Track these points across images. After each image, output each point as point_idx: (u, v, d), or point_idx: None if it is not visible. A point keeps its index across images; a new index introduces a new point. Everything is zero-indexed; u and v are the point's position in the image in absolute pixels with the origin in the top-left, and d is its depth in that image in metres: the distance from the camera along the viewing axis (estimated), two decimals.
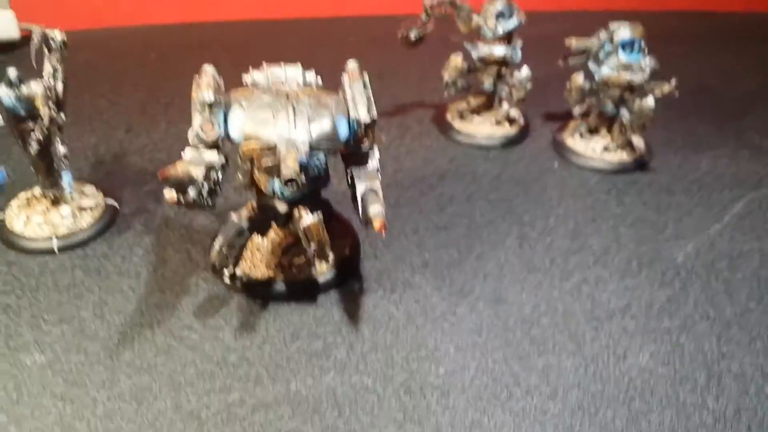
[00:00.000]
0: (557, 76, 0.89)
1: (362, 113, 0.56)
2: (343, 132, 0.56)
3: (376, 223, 0.53)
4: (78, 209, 0.71)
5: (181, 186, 0.51)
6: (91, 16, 1.22)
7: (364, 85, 0.58)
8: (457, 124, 0.92)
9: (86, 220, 0.70)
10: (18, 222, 0.69)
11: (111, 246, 0.69)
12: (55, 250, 0.67)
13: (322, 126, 0.55)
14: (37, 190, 0.71)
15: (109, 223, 0.72)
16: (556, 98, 0.94)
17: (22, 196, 0.72)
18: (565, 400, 0.55)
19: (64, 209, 0.70)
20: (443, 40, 0.88)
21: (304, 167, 0.54)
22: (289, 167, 0.51)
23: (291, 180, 0.51)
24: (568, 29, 0.97)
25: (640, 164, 0.85)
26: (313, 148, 0.55)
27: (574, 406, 0.54)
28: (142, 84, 1.03)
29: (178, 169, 0.51)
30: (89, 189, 0.74)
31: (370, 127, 0.56)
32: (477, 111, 0.93)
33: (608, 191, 0.81)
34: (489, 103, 0.92)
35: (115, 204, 0.74)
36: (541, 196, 0.80)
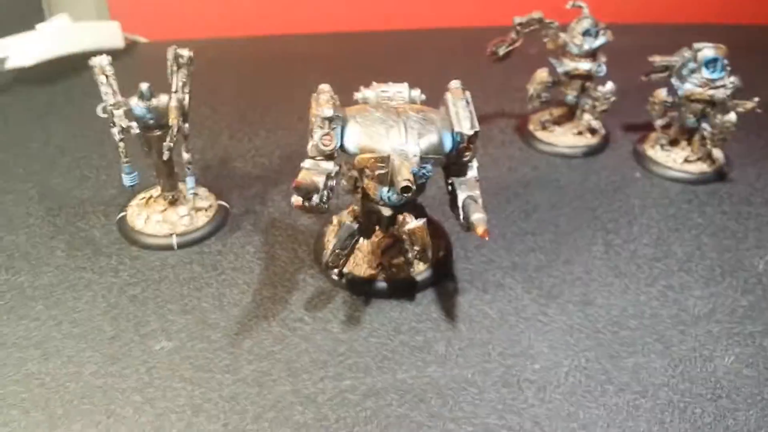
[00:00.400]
0: (636, 87, 0.92)
1: (465, 126, 0.61)
2: (448, 144, 0.61)
3: (480, 229, 0.57)
4: (194, 209, 0.77)
5: (307, 192, 0.57)
6: (189, 26, 1.29)
7: (467, 102, 0.63)
8: (540, 133, 0.96)
9: (201, 220, 0.76)
10: (139, 220, 0.76)
11: (224, 244, 0.75)
12: (175, 246, 0.74)
13: (430, 139, 0.60)
14: (155, 191, 0.78)
15: (222, 223, 0.78)
16: (635, 109, 0.97)
17: (141, 196, 0.79)
18: (655, 397, 0.58)
19: (182, 209, 0.76)
20: (522, 52, 0.92)
21: (415, 176, 0.58)
22: (406, 176, 0.56)
23: (407, 188, 0.55)
24: (647, 42, 1.00)
25: (719, 175, 0.88)
26: (422, 159, 0.60)
27: (664, 402, 0.58)
28: (240, 93, 1.09)
29: (307, 179, 0.57)
30: (202, 191, 0.80)
31: (472, 139, 0.61)
32: (559, 122, 0.97)
33: (689, 201, 0.84)
34: (571, 114, 0.96)
35: (227, 205, 0.80)
36: (624, 204, 0.83)
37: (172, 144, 0.68)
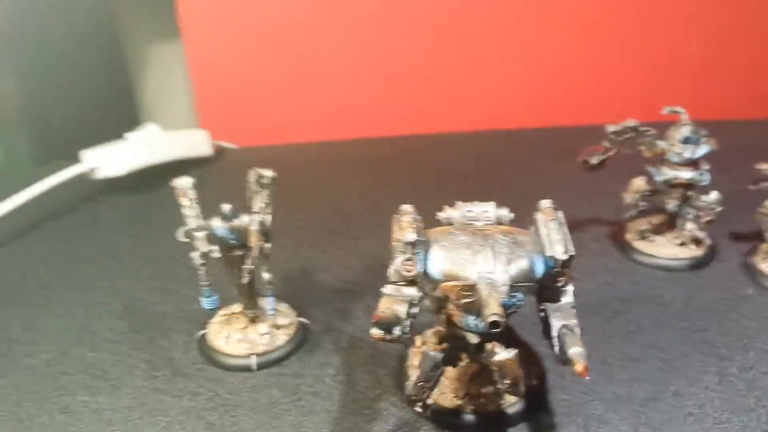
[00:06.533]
0: (742, 191, 0.85)
1: (558, 251, 0.56)
2: (540, 270, 0.57)
3: (579, 366, 0.52)
4: (274, 327, 0.74)
5: (388, 325, 0.53)
6: (275, 132, 1.31)
7: (560, 223, 0.58)
8: (638, 244, 0.90)
9: (281, 338, 0.74)
10: (219, 338, 0.74)
11: (304, 365, 0.72)
12: (254, 367, 0.71)
13: (520, 266, 0.56)
14: (236, 307, 0.76)
15: (302, 341, 0.75)
16: (742, 215, 0.90)
17: (223, 313, 0.77)
18: None
19: (262, 327, 0.73)
20: (619, 156, 0.87)
21: (505, 308, 0.54)
22: (495, 310, 0.51)
23: (496, 323, 0.51)
24: (753, 140, 0.94)
25: None
26: (512, 288, 0.55)
27: None
28: (325, 200, 1.08)
29: (387, 312, 0.53)
30: (283, 307, 0.78)
31: (566, 263, 0.56)
32: (659, 231, 0.90)
33: None
34: (671, 222, 0.90)
35: (307, 322, 0.77)
36: (737, 325, 0.76)
37: (252, 267, 0.66)
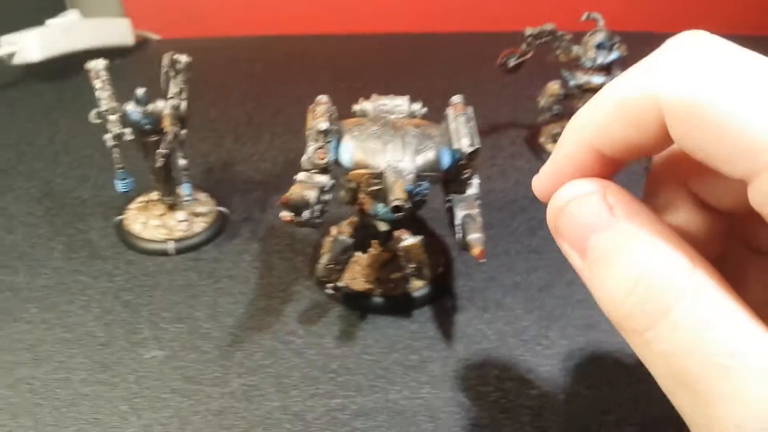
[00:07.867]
0: None
1: (465, 144, 0.58)
2: (446, 162, 0.59)
3: (476, 250, 0.55)
4: (192, 215, 0.76)
5: (296, 208, 0.55)
6: (203, 24, 1.28)
7: (468, 118, 0.61)
8: (550, 146, 0.94)
9: (199, 226, 0.75)
10: (136, 224, 0.75)
11: (221, 251, 0.74)
12: (172, 252, 0.73)
13: (427, 156, 0.59)
14: (154, 195, 0.77)
15: (220, 229, 0.77)
16: None
17: (141, 199, 0.78)
18: None
19: (180, 214, 0.75)
20: (539, 61, 0.90)
21: (409, 194, 0.57)
22: (398, 195, 0.54)
23: (398, 207, 0.54)
24: None
25: None
26: (418, 177, 0.58)
27: None
28: (249, 94, 1.09)
29: (296, 194, 0.55)
30: (202, 196, 0.79)
31: (472, 156, 0.59)
32: None
33: None
34: None
35: (226, 211, 0.79)
36: None
37: (166, 151, 0.67)
